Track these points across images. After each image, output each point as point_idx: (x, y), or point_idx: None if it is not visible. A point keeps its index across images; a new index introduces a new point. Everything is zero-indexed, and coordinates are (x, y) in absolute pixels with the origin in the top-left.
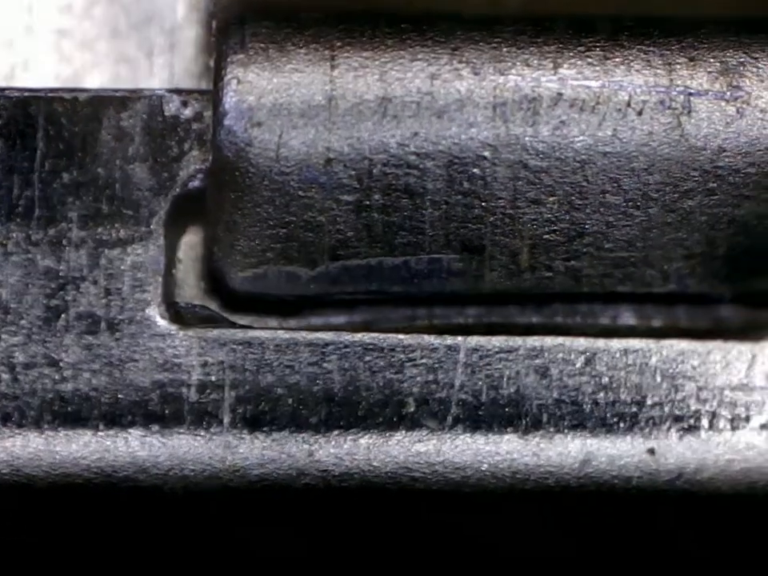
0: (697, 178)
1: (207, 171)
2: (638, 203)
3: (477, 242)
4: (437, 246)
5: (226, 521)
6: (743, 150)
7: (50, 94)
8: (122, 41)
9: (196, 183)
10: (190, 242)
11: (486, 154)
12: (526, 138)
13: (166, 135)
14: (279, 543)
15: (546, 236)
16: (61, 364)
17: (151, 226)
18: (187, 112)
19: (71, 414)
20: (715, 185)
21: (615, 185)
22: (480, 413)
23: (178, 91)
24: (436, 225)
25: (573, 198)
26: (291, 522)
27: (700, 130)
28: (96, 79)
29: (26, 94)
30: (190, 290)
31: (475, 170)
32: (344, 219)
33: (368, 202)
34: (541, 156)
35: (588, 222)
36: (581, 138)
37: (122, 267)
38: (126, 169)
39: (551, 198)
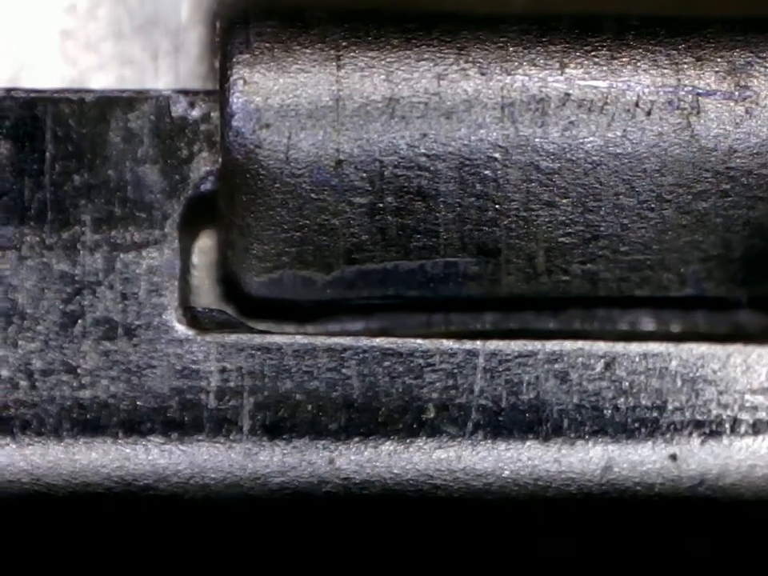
0: (709, 180)
1: (218, 173)
2: (652, 205)
3: (492, 245)
4: (452, 249)
5: (246, 529)
6: (754, 151)
7: (56, 95)
8: (127, 42)
9: (208, 185)
10: (204, 246)
11: (497, 155)
12: (536, 140)
13: (175, 136)
14: (300, 551)
15: (561, 239)
16: (79, 371)
17: (165, 230)
18: (195, 113)
19: (90, 421)
20: (728, 186)
21: (628, 186)
22: (500, 419)
23: (184, 92)
24: (450, 228)
25: (586, 199)
26: (312, 530)
27: (710, 130)
28: (101, 81)
29: (33, 94)
30: (206, 294)
31: (487, 172)
32: (358, 222)
33: (381, 205)
34: (552, 157)
35: (602, 224)
36: (590, 138)
37: (138, 271)
38: (136, 171)
39: (564, 200)
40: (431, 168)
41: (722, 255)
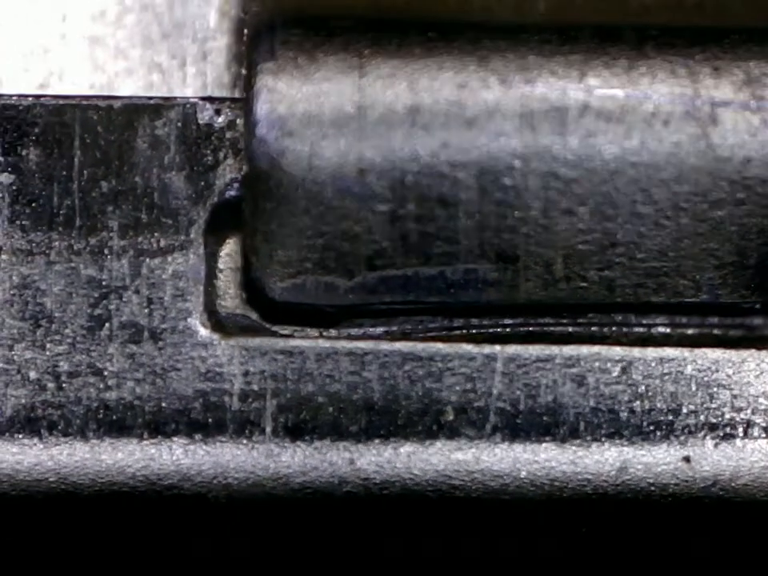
0: (725, 188)
1: (243, 180)
2: (669, 213)
3: (511, 251)
4: (472, 256)
5: (268, 528)
6: None
7: (84, 102)
8: (155, 49)
9: (233, 192)
10: (230, 252)
11: (517, 163)
12: (555, 148)
13: (201, 144)
14: (321, 550)
15: (579, 246)
16: (105, 373)
17: (191, 236)
18: (220, 120)
19: (116, 422)
20: (744, 195)
21: (645, 195)
22: (518, 421)
23: (210, 99)
24: (470, 235)
25: (604, 207)
26: (333, 529)
27: (726, 140)
28: (129, 87)
29: (61, 101)
30: (231, 299)
31: (506, 180)
32: (379, 229)
33: (402, 212)
34: (571, 166)
35: (620, 231)
36: (609, 147)
37: (164, 276)
38: (162, 177)
39: (582, 208)
40: (452, 176)
41: (737, 262)
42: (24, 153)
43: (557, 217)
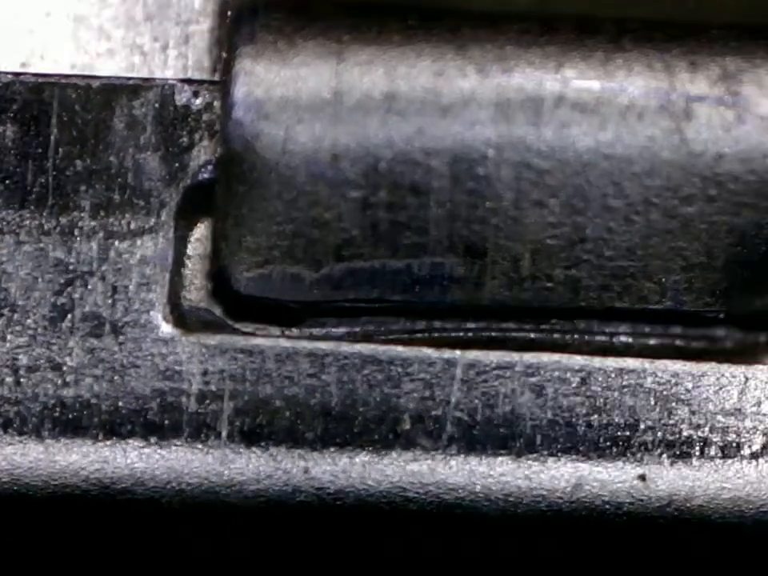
0: (697, 184)
1: (216, 162)
2: (639, 208)
3: (480, 244)
4: (440, 248)
5: (221, 535)
6: (742, 157)
7: (63, 81)
8: (137, 30)
9: (206, 174)
10: (199, 237)
11: (490, 153)
12: (529, 139)
13: (177, 125)
14: (272, 558)
15: (548, 240)
16: (64, 368)
17: (162, 218)
18: (198, 102)
19: (72, 421)
20: (715, 192)
21: (617, 188)
22: (475, 433)
23: (189, 81)
24: (440, 225)
25: (575, 200)
26: (285, 538)
27: (700, 135)
28: (111, 68)
29: (40, 80)
30: (196, 291)
31: (479, 170)
32: (350, 217)
33: (374, 199)
34: (544, 157)
35: (589, 226)
36: (583, 139)
37: (131, 261)
38: (137, 158)
39: (553, 200)
40: (425, 164)
41: (704, 264)
42: (1, 129)
43: (527, 208)
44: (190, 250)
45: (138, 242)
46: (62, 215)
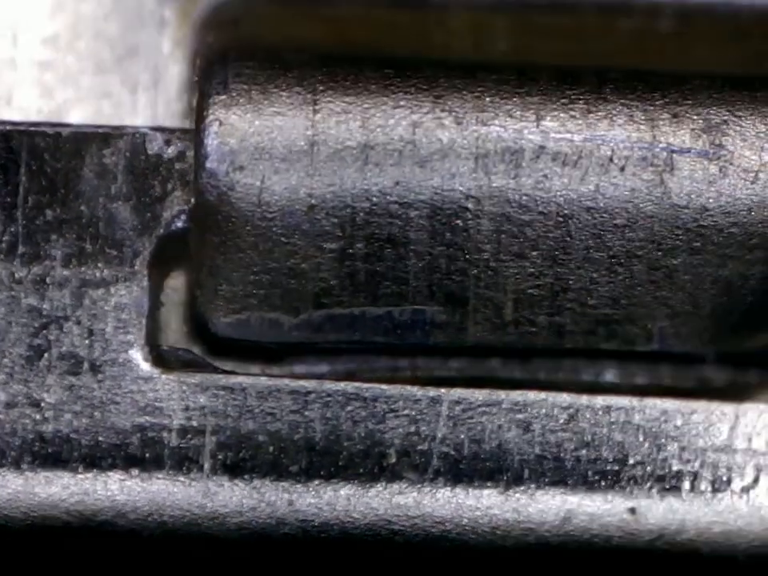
0: (680, 237)
1: (190, 213)
2: (622, 260)
3: (460, 294)
4: (420, 297)
5: (204, 567)
6: (726, 210)
7: (32, 128)
8: (106, 76)
9: (179, 224)
10: (174, 285)
11: (469, 205)
12: (509, 191)
13: (149, 174)
14: None
15: (530, 290)
16: (42, 404)
17: (135, 267)
18: (170, 151)
19: (51, 455)
20: (699, 244)
21: (598, 241)
22: (461, 466)
23: (161, 129)
24: (419, 276)
25: (556, 252)
26: (269, 571)
27: (683, 188)
28: (78, 114)
29: (9, 127)
30: (174, 333)
31: (458, 222)
32: (327, 267)
33: (351, 251)
34: (523, 209)
35: (571, 277)
36: (563, 192)
37: (106, 308)
38: (109, 207)
39: (534, 252)
40: (403, 216)
41: (690, 312)
42: None
43: (508, 260)
44: (165, 298)
45: (113, 290)
46: (34, 264)
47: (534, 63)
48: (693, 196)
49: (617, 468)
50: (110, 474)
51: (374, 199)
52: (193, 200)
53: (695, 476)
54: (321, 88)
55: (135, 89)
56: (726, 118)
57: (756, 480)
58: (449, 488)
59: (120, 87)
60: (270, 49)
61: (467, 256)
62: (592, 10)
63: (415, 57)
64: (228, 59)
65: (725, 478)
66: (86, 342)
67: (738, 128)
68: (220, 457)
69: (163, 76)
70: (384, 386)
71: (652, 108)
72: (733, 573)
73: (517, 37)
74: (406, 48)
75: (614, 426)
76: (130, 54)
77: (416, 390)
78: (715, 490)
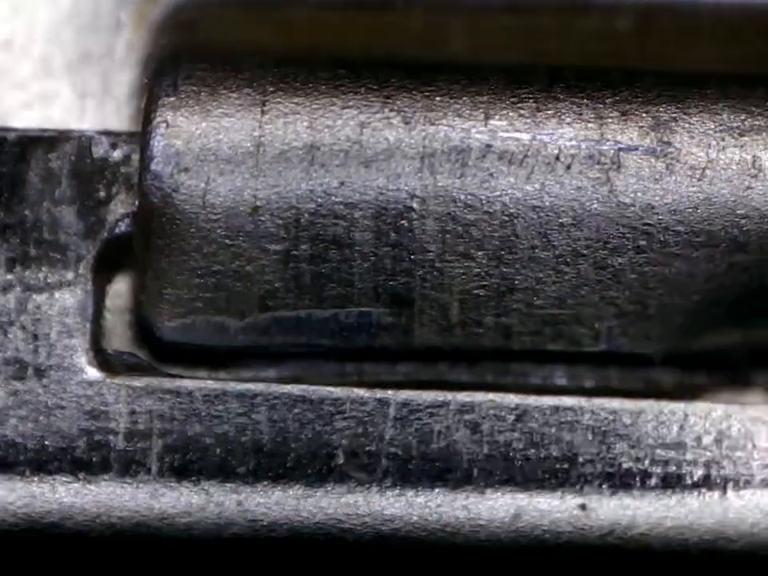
0: (627, 235)
1: (134, 216)
2: (568, 259)
3: (406, 295)
4: (366, 298)
5: (152, 569)
6: (672, 208)
7: None
8: (56, 81)
9: (124, 228)
10: (119, 290)
11: (414, 205)
12: (454, 190)
13: (94, 178)
14: None
15: (476, 291)
16: None
17: (79, 271)
18: (116, 155)
19: None
20: (644, 242)
21: (544, 240)
22: (410, 466)
23: (107, 133)
24: (365, 277)
25: (502, 252)
26: (219, 571)
27: (629, 185)
28: (26, 119)
29: None
30: (119, 337)
31: (403, 222)
32: (272, 269)
33: (296, 252)
34: (469, 209)
35: (518, 277)
36: (509, 191)
37: (50, 312)
38: (53, 211)
39: (480, 253)
40: (348, 216)
41: (637, 311)
42: None
43: (454, 261)
44: (109, 302)
45: (57, 295)
46: None
47: (485, 63)
48: (639, 194)
49: (566, 466)
50: (57, 477)
51: (319, 200)
52: (137, 203)
53: (645, 473)
54: (270, 89)
55: (84, 94)
56: (674, 115)
57: (708, 476)
58: (398, 488)
59: (70, 92)
60: (223, 51)
61: (412, 257)
62: (548, 10)
63: (366, 58)
64: (179, 61)
65: (675, 475)
66: (31, 346)
67: (686, 125)
68: (167, 459)
69: (114, 80)
70: (331, 389)
71: (601, 106)
72: (685, 567)
73: (469, 37)
74: (358, 50)
75: (563, 426)
76: (81, 59)
77: (363, 392)
78: (666, 486)
